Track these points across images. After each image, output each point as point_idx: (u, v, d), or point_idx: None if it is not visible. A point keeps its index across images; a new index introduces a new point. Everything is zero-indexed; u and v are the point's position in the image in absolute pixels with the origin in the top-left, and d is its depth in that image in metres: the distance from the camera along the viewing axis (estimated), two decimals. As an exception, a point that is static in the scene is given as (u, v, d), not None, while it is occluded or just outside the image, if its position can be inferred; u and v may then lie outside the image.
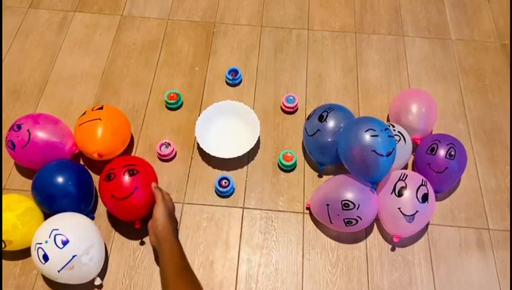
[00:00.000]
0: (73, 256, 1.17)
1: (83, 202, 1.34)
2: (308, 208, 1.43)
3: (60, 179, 1.30)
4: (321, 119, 1.41)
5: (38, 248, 1.17)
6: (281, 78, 1.70)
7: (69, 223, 1.24)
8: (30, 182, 1.34)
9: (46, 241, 1.17)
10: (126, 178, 1.26)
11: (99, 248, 1.25)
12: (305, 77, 1.71)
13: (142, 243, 1.36)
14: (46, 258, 1.16)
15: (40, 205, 1.32)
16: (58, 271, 1.16)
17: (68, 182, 1.30)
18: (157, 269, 1.32)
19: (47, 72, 1.69)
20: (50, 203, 1.30)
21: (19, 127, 1.35)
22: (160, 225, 1.21)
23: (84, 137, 1.38)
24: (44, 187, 1.31)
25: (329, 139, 1.39)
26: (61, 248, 1.16)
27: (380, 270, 1.35)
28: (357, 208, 1.27)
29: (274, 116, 1.61)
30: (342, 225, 1.31)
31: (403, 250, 1.38)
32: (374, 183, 1.33)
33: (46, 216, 1.29)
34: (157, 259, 1.32)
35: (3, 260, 1.33)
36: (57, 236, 1.17)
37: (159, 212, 1.24)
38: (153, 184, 1.30)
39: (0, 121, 1.56)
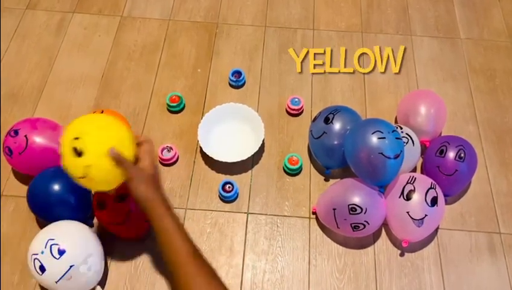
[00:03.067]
0: (71, 266, 1.14)
1: (80, 210, 1.32)
2: (314, 213, 1.41)
3: (56, 187, 1.28)
4: (327, 121, 1.39)
5: (35, 259, 1.15)
6: (286, 80, 1.69)
7: (66, 232, 1.22)
8: (28, 188, 1.33)
9: (42, 252, 1.14)
10: (117, 205, 1.25)
11: (98, 257, 1.22)
12: (311, 78, 1.69)
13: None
14: (42, 269, 1.14)
15: (36, 214, 1.31)
16: (56, 282, 1.14)
17: (64, 189, 1.28)
18: (159, 277, 1.30)
19: (45, 75, 1.67)
20: (46, 212, 1.29)
21: (16, 132, 1.34)
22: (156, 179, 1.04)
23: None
24: (40, 195, 1.29)
25: (335, 142, 1.37)
26: (57, 259, 1.14)
27: (388, 276, 1.33)
28: (365, 212, 1.25)
29: (279, 118, 1.60)
30: (349, 230, 1.29)
31: (412, 255, 1.36)
32: (382, 187, 1.32)
33: (43, 225, 1.27)
34: (157, 261, 1.32)
35: (1, 267, 1.31)
36: (53, 246, 1.15)
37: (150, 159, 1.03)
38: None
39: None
